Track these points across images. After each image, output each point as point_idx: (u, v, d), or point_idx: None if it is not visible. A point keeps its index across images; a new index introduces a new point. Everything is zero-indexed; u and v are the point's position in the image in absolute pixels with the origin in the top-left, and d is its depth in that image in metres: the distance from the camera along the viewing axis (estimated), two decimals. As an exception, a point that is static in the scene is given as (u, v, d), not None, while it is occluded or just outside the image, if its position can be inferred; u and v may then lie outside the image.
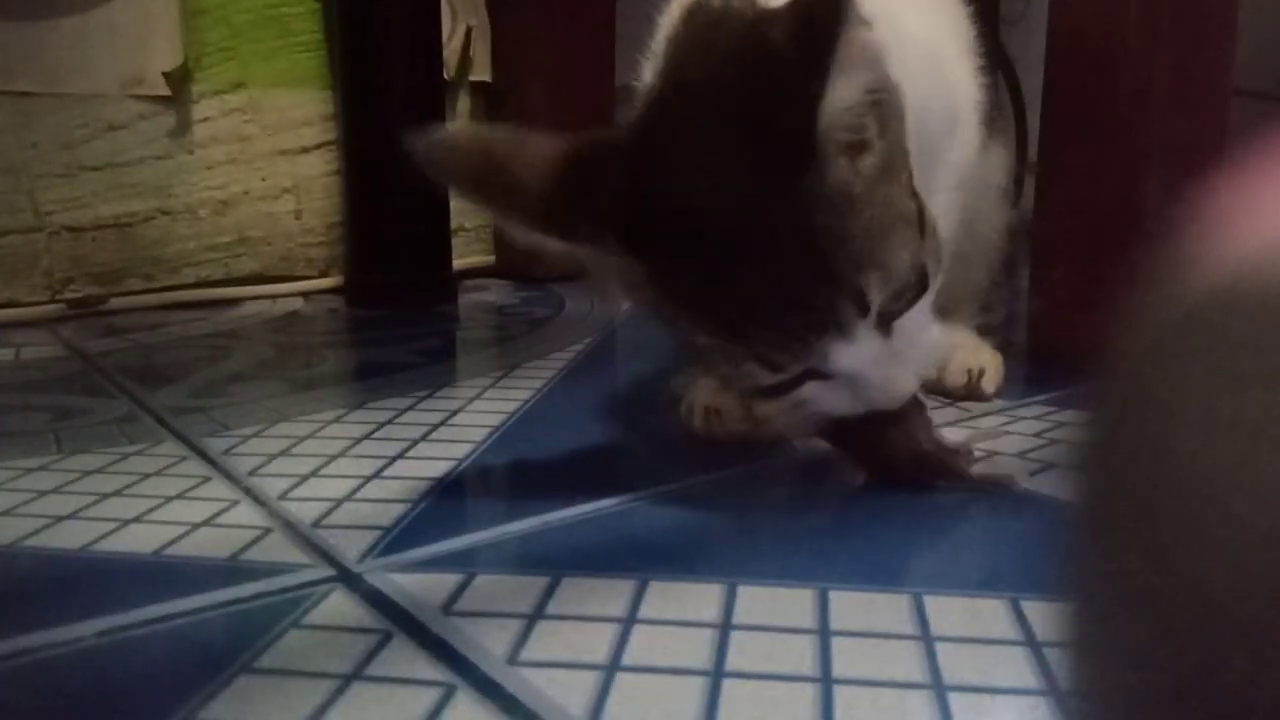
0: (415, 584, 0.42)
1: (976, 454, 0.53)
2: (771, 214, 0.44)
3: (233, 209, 1.09)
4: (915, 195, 0.47)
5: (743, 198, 0.44)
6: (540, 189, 0.45)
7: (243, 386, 0.74)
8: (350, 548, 0.45)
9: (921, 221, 0.47)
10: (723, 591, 0.41)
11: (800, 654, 0.36)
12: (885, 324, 0.46)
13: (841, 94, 0.42)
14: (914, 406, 0.50)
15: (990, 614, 0.39)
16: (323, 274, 1.15)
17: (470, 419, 0.65)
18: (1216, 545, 0.15)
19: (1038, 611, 0.38)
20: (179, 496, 0.52)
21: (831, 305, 0.44)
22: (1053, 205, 0.78)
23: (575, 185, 0.45)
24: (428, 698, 0.33)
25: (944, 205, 0.54)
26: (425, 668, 0.35)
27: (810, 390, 0.47)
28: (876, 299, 0.45)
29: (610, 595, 0.40)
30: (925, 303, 0.47)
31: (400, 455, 0.58)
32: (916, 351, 0.48)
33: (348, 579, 0.42)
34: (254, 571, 0.43)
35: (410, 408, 0.67)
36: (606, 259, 0.46)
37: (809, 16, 0.42)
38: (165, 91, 1.03)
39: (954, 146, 0.58)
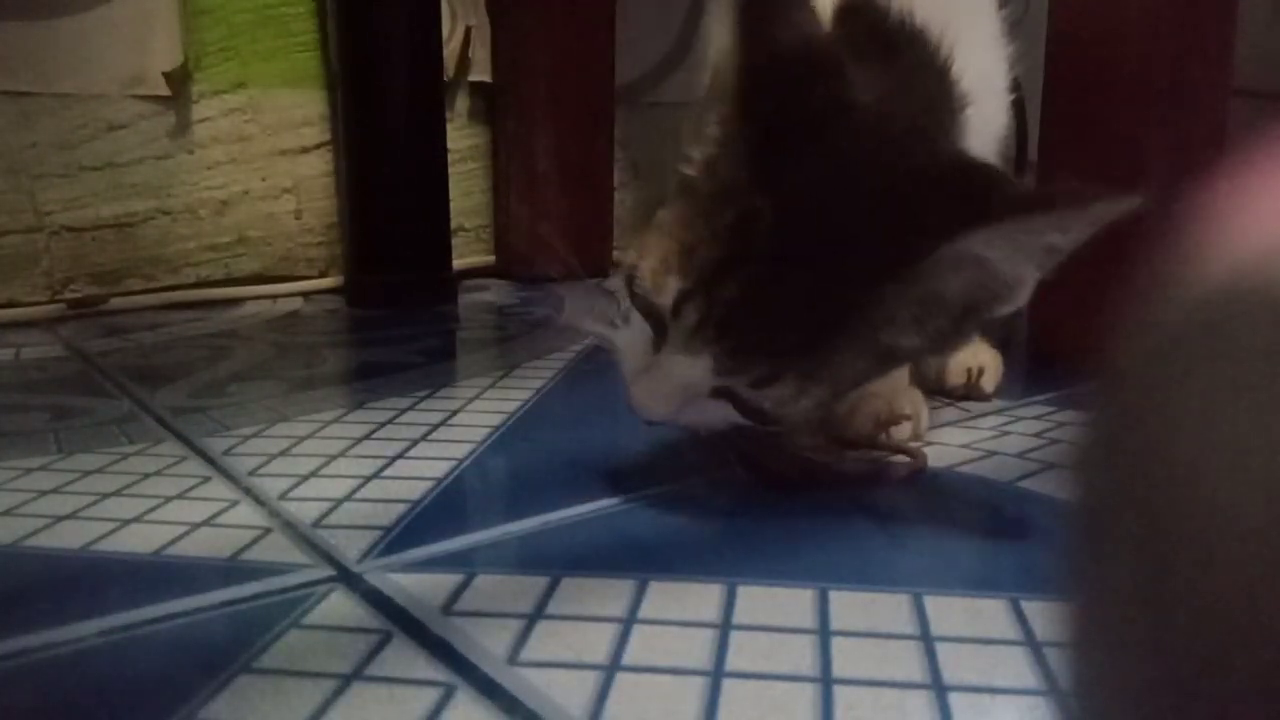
0: (415, 584, 0.42)
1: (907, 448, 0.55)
2: (881, 250, 0.43)
3: (233, 209, 1.09)
4: None
5: (883, 206, 0.43)
6: None
7: (243, 386, 0.74)
8: (350, 548, 0.45)
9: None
10: (723, 591, 0.41)
11: (800, 654, 0.36)
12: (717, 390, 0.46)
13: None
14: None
15: (990, 614, 0.39)
16: (323, 274, 1.15)
17: (470, 419, 0.65)
18: (1217, 546, 0.15)
19: (1038, 611, 0.38)
20: (179, 496, 0.52)
21: (762, 347, 0.43)
22: (1053, 205, 0.78)
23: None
24: (428, 698, 0.33)
25: None
26: (425, 668, 0.35)
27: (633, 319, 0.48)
28: (765, 389, 0.44)
29: (610, 595, 0.40)
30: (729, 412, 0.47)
31: (400, 455, 0.58)
32: (692, 408, 0.47)
33: (348, 579, 0.42)
34: (254, 571, 0.43)
35: (410, 408, 0.67)
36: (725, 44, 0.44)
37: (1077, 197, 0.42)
38: (165, 91, 1.03)
39: None
